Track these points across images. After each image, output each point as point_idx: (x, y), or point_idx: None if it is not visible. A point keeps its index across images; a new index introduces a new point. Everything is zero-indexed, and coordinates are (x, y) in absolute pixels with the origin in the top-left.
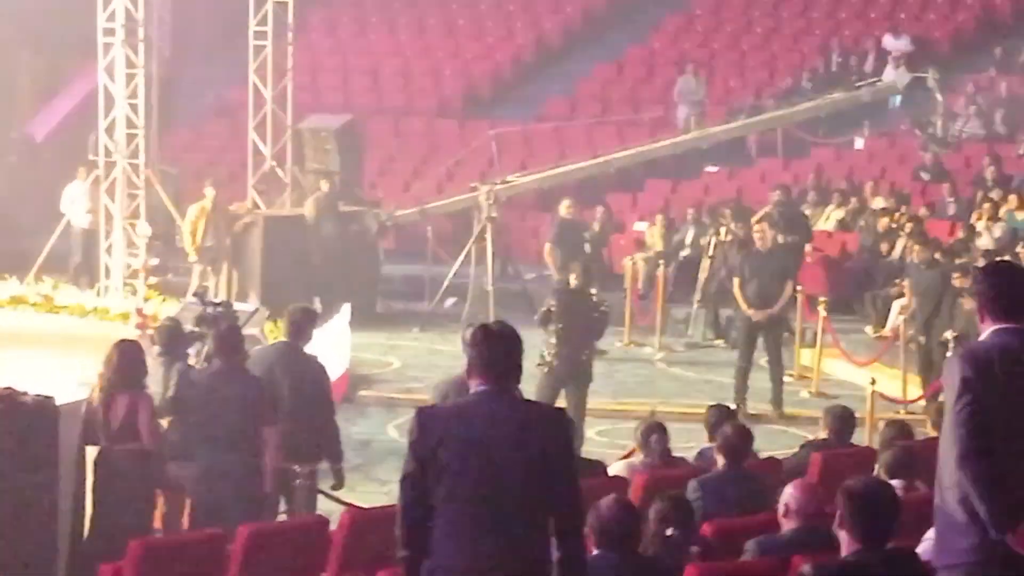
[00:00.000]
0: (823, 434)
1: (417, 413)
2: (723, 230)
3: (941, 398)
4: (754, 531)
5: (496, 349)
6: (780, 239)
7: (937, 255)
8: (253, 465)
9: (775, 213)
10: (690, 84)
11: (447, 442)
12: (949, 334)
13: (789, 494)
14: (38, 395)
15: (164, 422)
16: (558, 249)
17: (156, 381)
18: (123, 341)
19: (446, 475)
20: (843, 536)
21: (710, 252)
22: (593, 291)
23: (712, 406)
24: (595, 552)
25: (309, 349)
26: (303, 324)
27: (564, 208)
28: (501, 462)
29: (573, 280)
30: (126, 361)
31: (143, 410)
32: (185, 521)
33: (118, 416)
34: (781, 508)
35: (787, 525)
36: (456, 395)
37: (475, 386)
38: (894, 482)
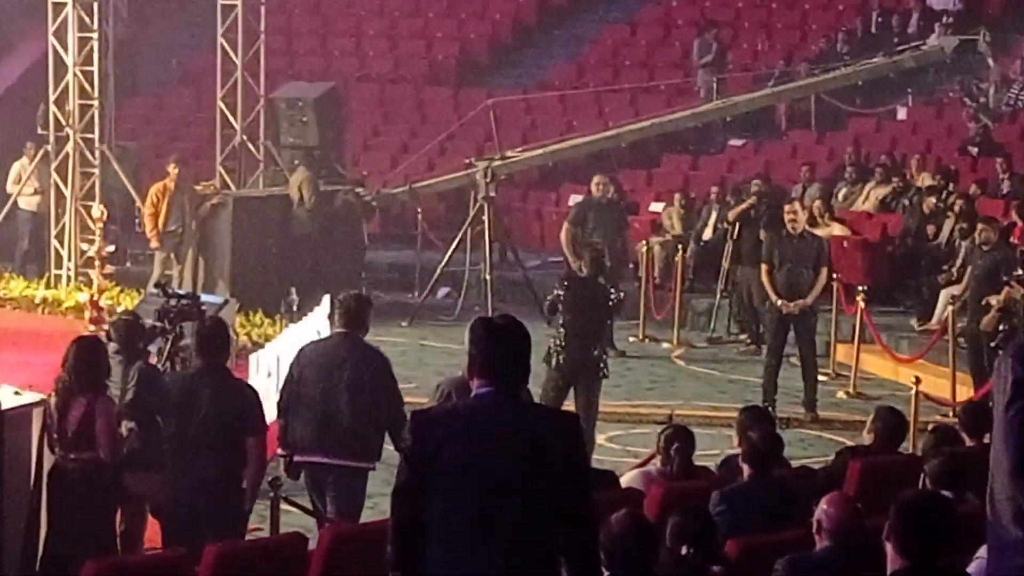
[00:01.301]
0: (867, 439)
1: (412, 417)
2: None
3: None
4: (784, 549)
5: (500, 346)
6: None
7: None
8: (234, 479)
9: (756, 207)
10: (706, 47)
11: (445, 450)
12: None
13: (823, 509)
14: None
15: (123, 429)
16: (579, 232)
17: (113, 382)
18: (82, 338)
19: (444, 487)
20: (890, 550)
21: (734, 234)
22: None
23: (745, 408)
24: (606, 574)
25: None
26: (360, 312)
27: (595, 186)
28: (505, 473)
29: (583, 267)
30: (84, 360)
31: (101, 415)
32: (152, 539)
33: (74, 422)
34: (814, 524)
35: (821, 543)
36: (459, 397)
37: (477, 387)
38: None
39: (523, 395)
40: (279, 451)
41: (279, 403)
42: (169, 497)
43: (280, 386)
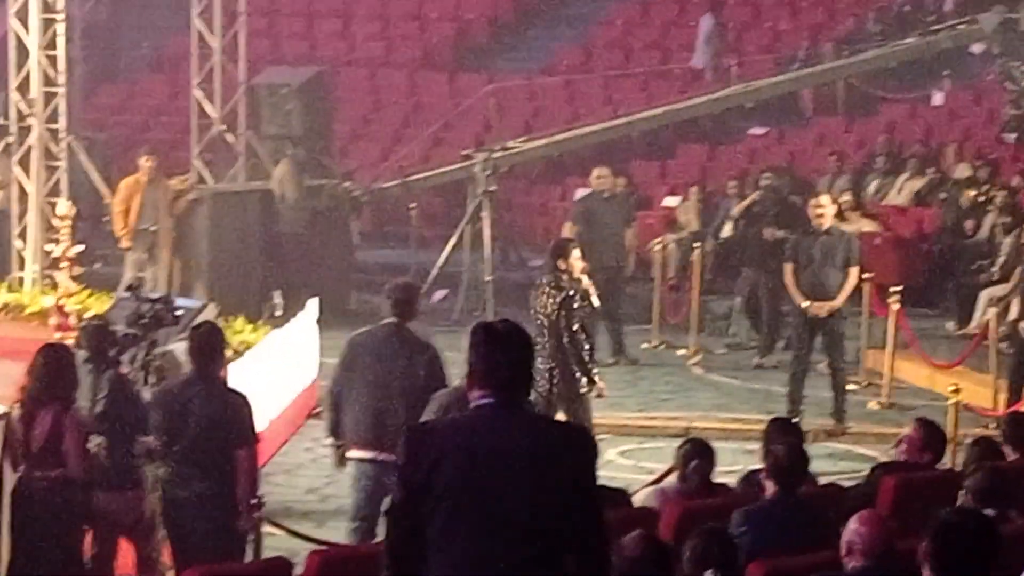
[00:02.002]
0: (901, 453)
1: (406, 432)
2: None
3: None
4: (812, 572)
5: (502, 354)
6: (767, 235)
7: None
8: (227, 493)
9: (764, 201)
10: (708, 27)
11: (443, 466)
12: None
13: (853, 529)
14: None
15: (92, 444)
16: (583, 230)
17: (82, 394)
18: (49, 345)
19: (442, 506)
20: (926, 574)
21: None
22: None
23: (774, 420)
24: None
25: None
26: (409, 300)
27: (595, 178)
28: (508, 490)
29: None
30: (51, 369)
31: (70, 429)
32: (123, 565)
33: (40, 436)
34: (843, 546)
35: (851, 565)
36: (459, 410)
37: (477, 398)
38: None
39: (527, 408)
40: (326, 441)
41: (328, 394)
42: (165, 514)
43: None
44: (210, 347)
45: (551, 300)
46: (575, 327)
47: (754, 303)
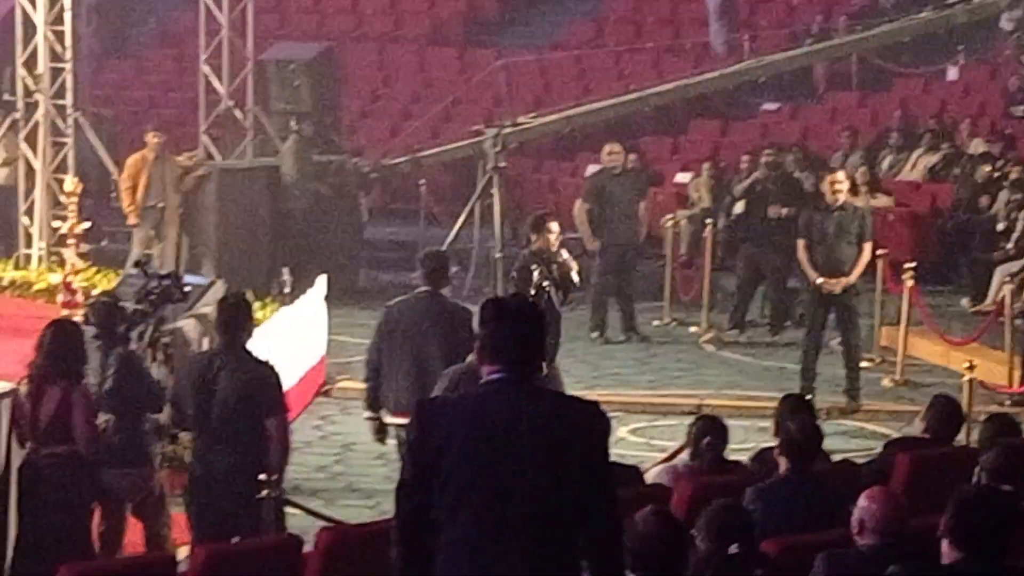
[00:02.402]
0: (918, 429)
1: (416, 406)
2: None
3: None
4: (825, 549)
5: (512, 329)
6: (773, 212)
7: None
8: (254, 466)
9: (767, 178)
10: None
11: (453, 442)
12: None
13: (863, 507)
14: None
15: (100, 421)
16: (594, 208)
17: (91, 370)
18: (58, 321)
19: (452, 482)
20: (945, 548)
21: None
22: (564, 255)
23: (787, 396)
24: None
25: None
26: (441, 268)
27: (607, 154)
28: (519, 466)
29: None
30: (60, 346)
31: (78, 405)
32: (133, 541)
33: (48, 413)
34: (855, 523)
35: (863, 542)
36: (469, 386)
37: (487, 374)
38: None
39: (538, 383)
40: (365, 414)
41: (367, 364)
42: (191, 488)
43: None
44: (237, 318)
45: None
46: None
47: (753, 280)
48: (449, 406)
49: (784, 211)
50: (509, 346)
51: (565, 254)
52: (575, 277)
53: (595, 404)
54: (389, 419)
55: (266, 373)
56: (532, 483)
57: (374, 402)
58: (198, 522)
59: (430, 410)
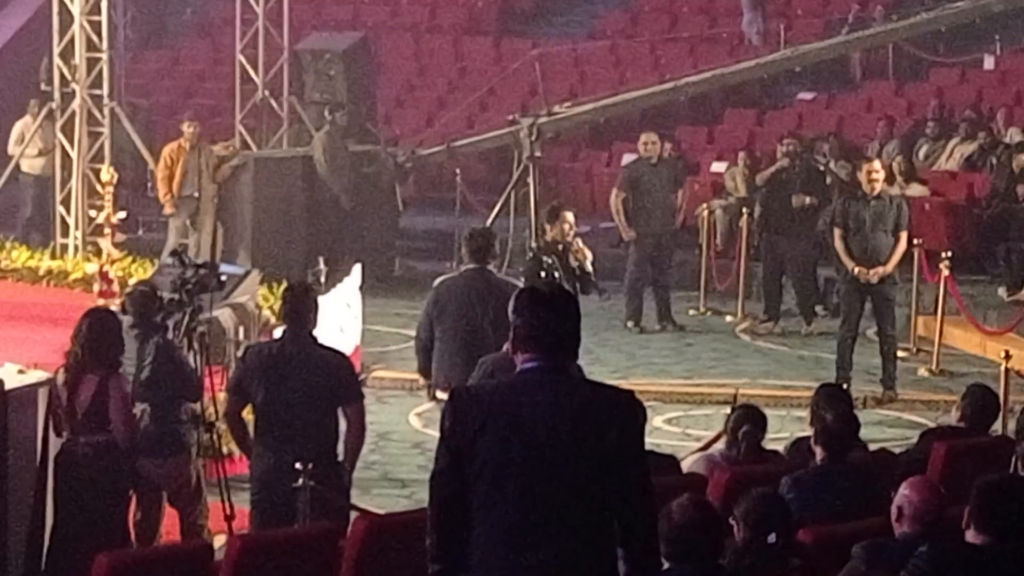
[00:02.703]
0: (954, 419)
1: (451, 395)
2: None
3: None
4: (862, 539)
5: (547, 316)
6: (796, 202)
7: None
8: (333, 454)
9: (791, 168)
10: None
11: (488, 431)
12: None
13: (904, 495)
14: None
15: (137, 410)
16: (629, 197)
17: (128, 359)
18: (95, 310)
19: (487, 471)
20: (970, 535)
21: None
22: (578, 244)
23: (823, 386)
24: (667, 566)
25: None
26: (487, 245)
27: (643, 144)
28: (554, 456)
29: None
30: (97, 335)
31: (114, 394)
32: (170, 530)
33: (85, 401)
34: (893, 511)
35: (901, 530)
36: (504, 373)
37: (522, 363)
38: None
39: (574, 371)
40: (421, 381)
41: (417, 341)
42: (261, 480)
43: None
44: (304, 307)
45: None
46: None
47: (777, 270)
48: (483, 395)
49: (807, 200)
50: (543, 334)
51: (580, 243)
52: (589, 267)
53: (630, 393)
54: (440, 395)
55: (340, 361)
56: (566, 472)
57: (425, 371)
58: (269, 515)
59: (464, 399)
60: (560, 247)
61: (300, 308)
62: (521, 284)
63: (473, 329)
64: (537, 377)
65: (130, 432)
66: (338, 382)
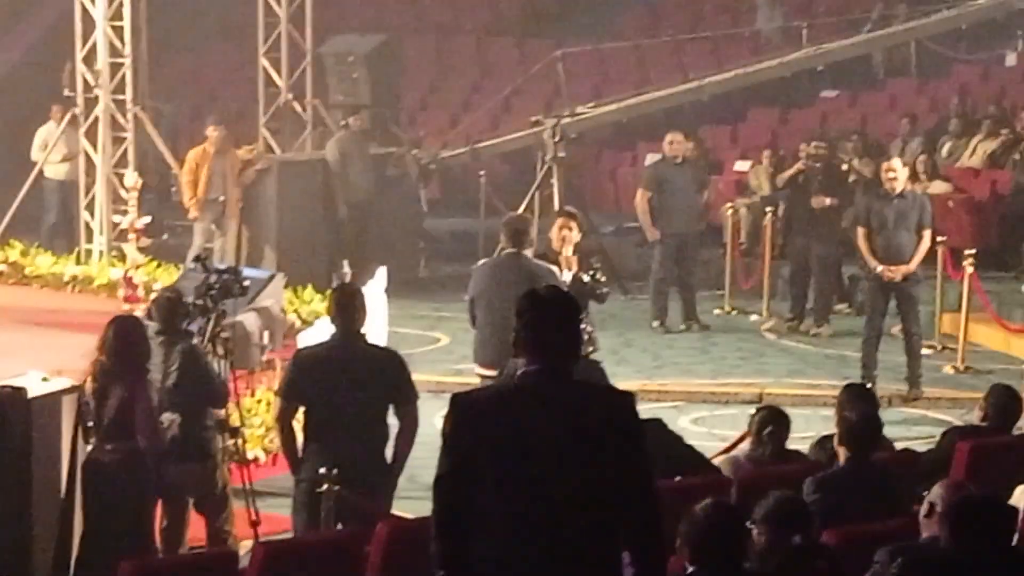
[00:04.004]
0: (976, 418)
1: (452, 401)
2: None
3: None
4: (886, 539)
5: (547, 319)
6: (816, 203)
7: None
8: (383, 455)
9: (809, 169)
10: None
11: (488, 437)
12: None
13: (938, 493)
14: (6, 386)
15: (165, 418)
16: (654, 197)
17: (154, 366)
18: (121, 318)
19: (488, 477)
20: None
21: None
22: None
23: (848, 386)
24: (690, 570)
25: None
26: (523, 230)
27: (668, 144)
28: (555, 459)
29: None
30: (124, 342)
31: (140, 401)
32: (196, 537)
33: (112, 409)
34: (925, 506)
35: (928, 530)
36: None
37: (523, 365)
38: None
39: (574, 374)
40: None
41: (470, 317)
42: (312, 482)
43: None
44: (353, 307)
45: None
46: None
47: (803, 271)
48: (483, 401)
49: (828, 201)
50: (543, 339)
51: (569, 253)
52: (586, 278)
53: (628, 393)
54: (478, 370)
55: (393, 359)
56: (567, 476)
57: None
58: (317, 519)
59: (465, 405)
60: (550, 259)
61: (349, 307)
62: (554, 270)
63: (505, 311)
64: (536, 381)
65: (155, 439)
66: (391, 382)
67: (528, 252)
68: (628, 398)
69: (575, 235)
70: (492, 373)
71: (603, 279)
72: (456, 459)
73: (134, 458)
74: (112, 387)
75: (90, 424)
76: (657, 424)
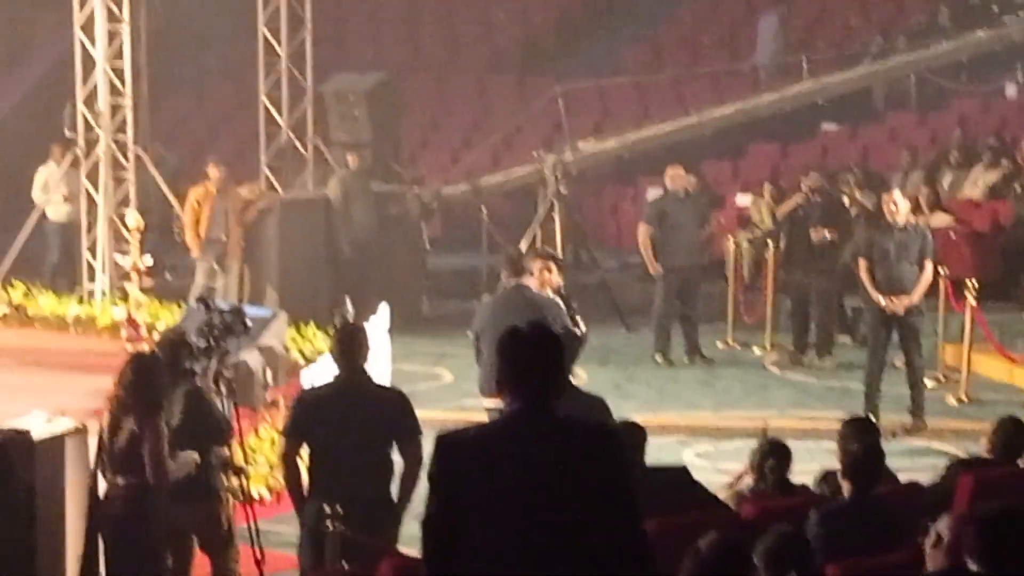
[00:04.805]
0: (983, 450)
1: (436, 442)
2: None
3: None
4: (889, 573)
5: (529, 358)
6: (815, 236)
7: None
8: (388, 494)
9: (808, 203)
10: (771, 26)
11: (473, 476)
12: None
13: (945, 525)
14: (10, 428)
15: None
16: (657, 231)
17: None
18: (139, 355)
19: (475, 516)
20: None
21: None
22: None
23: (851, 419)
24: None
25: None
26: (524, 263)
27: (670, 178)
28: (537, 497)
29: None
30: (139, 378)
31: (149, 436)
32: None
33: (122, 443)
34: (931, 536)
35: (934, 561)
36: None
37: (507, 405)
38: None
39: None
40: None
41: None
42: (312, 522)
43: None
44: (356, 345)
45: None
46: None
47: (803, 304)
48: (468, 441)
49: (827, 234)
50: (526, 376)
51: (549, 294)
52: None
53: (611, 428)
54: (485, 403)
55: (397, 398)
56: (552, 514)
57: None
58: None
59: (449, 445)
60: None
61: (352, 346)
62: (558, 301)
63: None
64: (520, 420)
65: (162, 474)
66: (395, 419)
67: (529, 283)
68: (613, 435)
69: (556, 277)
70: (496, 404)
71: (581, 323)
72: (442, 500)
73: (140, 493)
74: (125, 421)
75: (104, 458)
76: (683, 471)
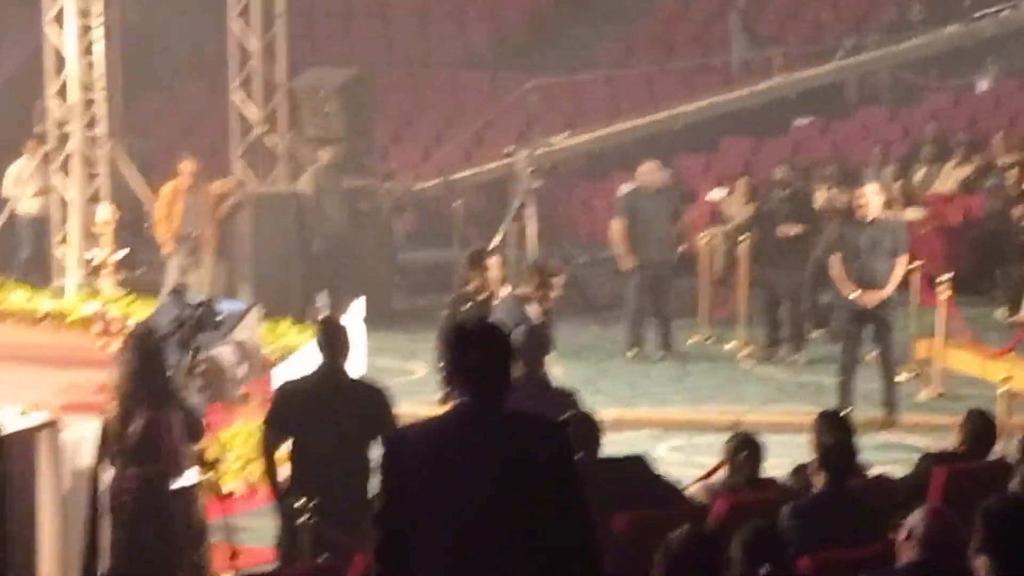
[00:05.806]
0: (954, 444)
1: (384, 440)
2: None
3: None
4: (861, 566)
5: (475, 354)
6: (780, 232)
7: None
8: (365, 490)
9: (773, 200)
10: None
11: (420, 473)
12: None
13: (917, 518)
14: None
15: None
16: (630, 226)
17: None
18: (140, 340)
19: (421, 512)
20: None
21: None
22: (503, 293)
23: (823, 413)
24: None
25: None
26: (481, 258)
27: (642, 173)
28: (483, 493)
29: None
30: (151, 366)
31: (167, 426)
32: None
33: (135, 433)
34: (903, 531)
35: (906, 554)
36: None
37: (455, 401)
38: None
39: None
40: None
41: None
42: (288, 516)
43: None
44: (339, 341)
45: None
46: None
47: (773, 300)
48: (414, 438)
49: (794, 230)
50: (472, 373)
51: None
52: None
53: (556, 423)
54: None
55: (377, 394)
56: (500, 508)
57: None
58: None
59: (397, 442)
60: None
61: (334, 341)
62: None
63: None
64: (466, 416)
65: (180, 463)
66: (374, 416)
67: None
68: (559, 428)
69: (556, 291)
70: None
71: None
72: (390, 497)
73: (158, 483)
74: (137, 411)
75: (116, 449)
76: (638, 460)
